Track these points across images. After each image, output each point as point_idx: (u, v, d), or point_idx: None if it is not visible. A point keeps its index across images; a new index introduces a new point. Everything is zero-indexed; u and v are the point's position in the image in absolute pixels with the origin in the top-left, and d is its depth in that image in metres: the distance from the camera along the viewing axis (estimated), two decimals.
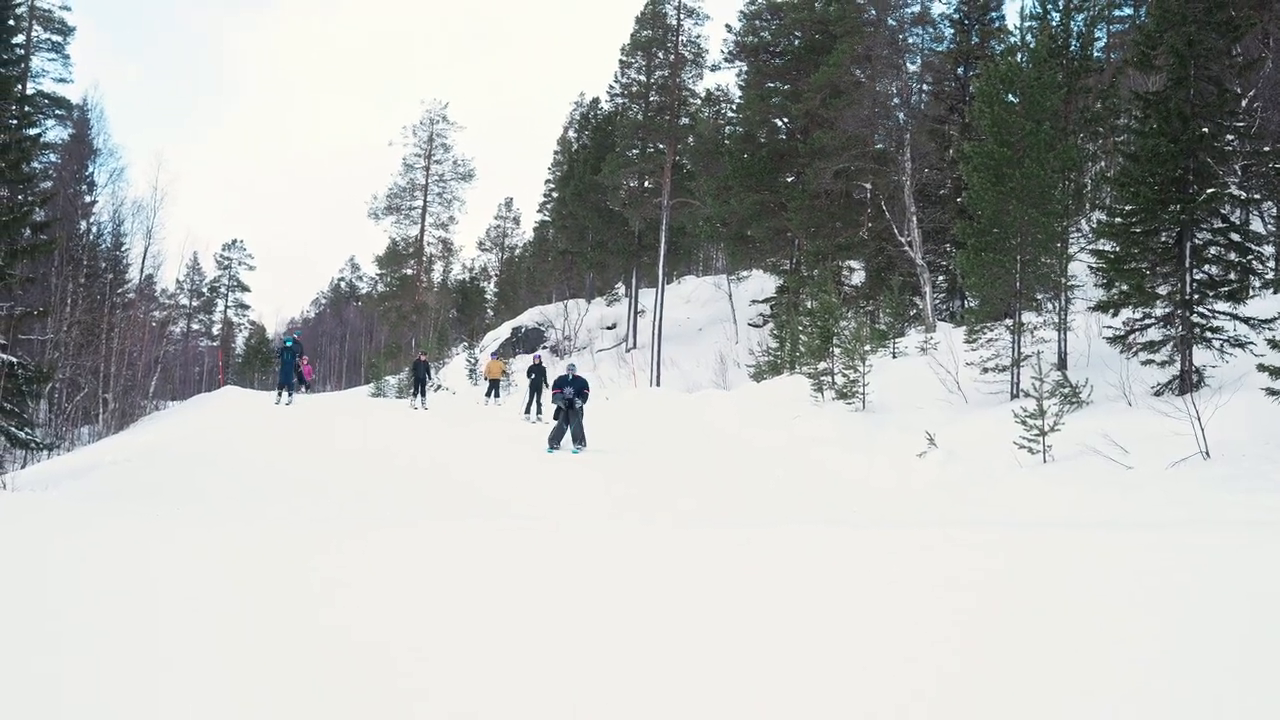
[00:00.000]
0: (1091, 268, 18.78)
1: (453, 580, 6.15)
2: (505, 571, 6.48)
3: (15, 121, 23.94)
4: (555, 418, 18.60)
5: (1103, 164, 28.12)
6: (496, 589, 5.86)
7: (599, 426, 19.59)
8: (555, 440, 18.17)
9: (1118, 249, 16.85)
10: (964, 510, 11.80)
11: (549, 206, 72.71)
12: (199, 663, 4.11)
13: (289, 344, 26.12)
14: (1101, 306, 17.11)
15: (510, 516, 11.05)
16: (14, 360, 21.03)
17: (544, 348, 56.66)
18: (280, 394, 25.75)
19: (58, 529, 7.90)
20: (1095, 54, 28.48)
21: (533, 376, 25.11)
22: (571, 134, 69.89)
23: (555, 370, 24.89)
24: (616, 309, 61.86)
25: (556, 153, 73.63)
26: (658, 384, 43.55)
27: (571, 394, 18.39)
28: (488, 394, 30.70)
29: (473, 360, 48.52)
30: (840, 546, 7.55)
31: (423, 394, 27.22)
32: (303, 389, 31.78)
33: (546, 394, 23.27)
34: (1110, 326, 17.52)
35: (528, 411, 24.66)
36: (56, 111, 41.68)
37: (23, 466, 21.08)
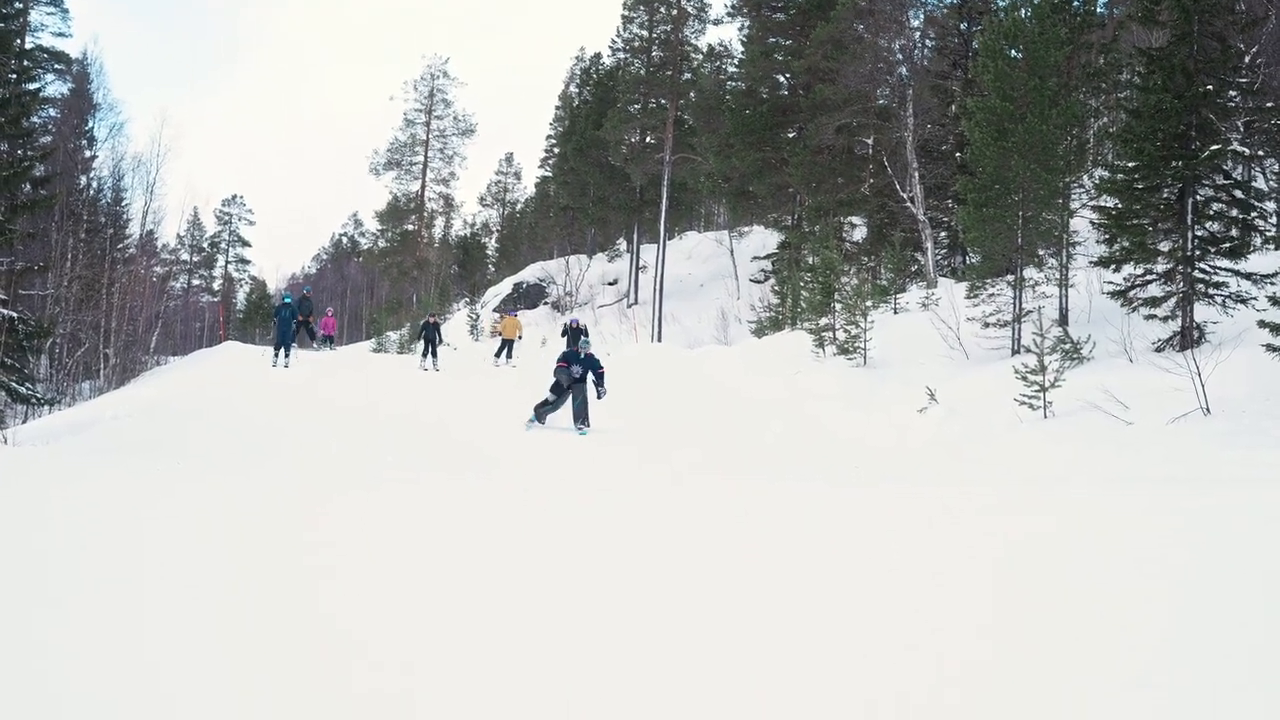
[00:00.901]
0: (1093, 224, 18.73)
1: (445, 546, 6.19)
2: (491, 534, 6.52)
3: (15, 76, 23.78)
4: (552, 391, 15.95)
5: (1105, 120, 27.96)
6: (486, 553, 5.90)
7: None
8: (541, 415, 15.87)
9: (1120, 205, 16.81)
10: (962, 469, 11.80)
11: (550, 162, 72.15)
12: (195, 623, 4.15)
13: (287, 300, 25.33)
14: (1103, 262, 17.09)
15: (504, 473, 11.10)
16: (15, 315, 21.03)
17: (545, 303, 56.54)
18: (276, 355, 24.52)
19: (57, 482, 7.94)
20: (1098, 9, 28.20)
21: (569, 338, 24.56)
22: (573, 89, 69.31)
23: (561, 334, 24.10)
24: (618, 265, 61.67)
25: (558, 108, 72.99)
26: (659, 339, 43.48)
27: (580, 373, 15.98)
28: (498, 354, 28.44)
29: (474, 316, 48.20)
30: (835, 521, 7.58)
31: (434, 355, 26.69)
32: (314, 345, 31.58)
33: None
34: (1112, 282, 17.49)
35: None
36: (55, 66, 41.30)
37: (24, 421, 21.11)
